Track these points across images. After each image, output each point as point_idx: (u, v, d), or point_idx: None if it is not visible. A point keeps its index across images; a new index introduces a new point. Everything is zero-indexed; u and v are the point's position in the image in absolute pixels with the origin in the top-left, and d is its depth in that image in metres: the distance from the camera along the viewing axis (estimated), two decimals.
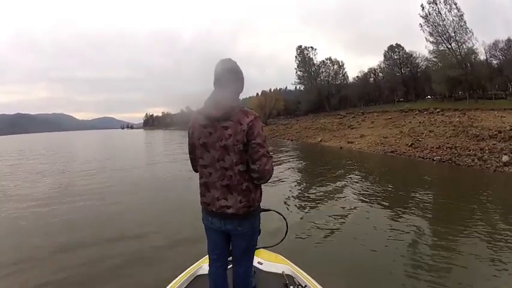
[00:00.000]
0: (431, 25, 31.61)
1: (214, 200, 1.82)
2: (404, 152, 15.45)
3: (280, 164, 12.86)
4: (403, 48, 39.67)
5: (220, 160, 1.76)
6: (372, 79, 43.49)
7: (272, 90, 57.75)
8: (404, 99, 37.91)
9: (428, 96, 36.35)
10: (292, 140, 28.99)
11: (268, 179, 1.77)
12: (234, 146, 1.72)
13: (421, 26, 31.95)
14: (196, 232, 2.44)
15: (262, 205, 2.02)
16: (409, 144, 16.34)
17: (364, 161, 14.39)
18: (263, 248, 2.72)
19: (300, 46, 50.01)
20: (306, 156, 17.91)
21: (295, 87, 56.75)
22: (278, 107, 51.54)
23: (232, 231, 1.87)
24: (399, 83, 38.02)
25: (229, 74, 1.84)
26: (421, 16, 31.95)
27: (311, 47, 49.72)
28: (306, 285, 2.25)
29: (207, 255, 2.40)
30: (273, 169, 1.77)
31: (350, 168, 11.91)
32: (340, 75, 47.92)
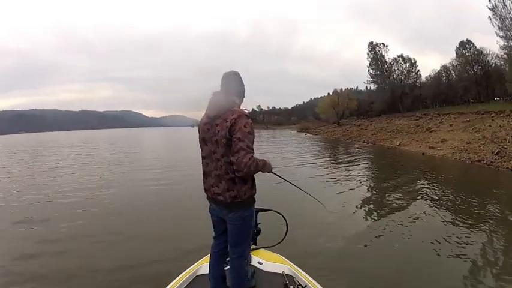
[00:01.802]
0: (499, 18, 30.02)
1: (210, 187, 2.09)
2: (491, 162, 14.45)
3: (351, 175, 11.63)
4: (473, 44, 37.95)
5: (215, 153, 2.02)
6: (444, 78, 41.95)
7: (343, 89, 57.52)
8: (476, 99, 36.07)
9: (496, 98, 34.26)
10: (367, 143, 28.36)
11: (247, 172, 1.89)
12: (221, 140, 1.96)
13: (490, 19, 30.58)
14: None
15: (264, 205, 2.23)
16: (495, 152, 15.37)
17: (452, 172, 12.98)
18: (263, 248, 2.84)
19: (371, 42, 49.12)
20: (386, 164, 16.26)
21: (366, 87, 56.22)
22: (351, 106, 51.15)
23: (225, 218, 2.11)
24: (473, 82, 36.29)
25: (225, 81, 2.13)
26: (488, 8, 30.62)
27: (382, 44, 48.53)
28: (306, 285, 2.31)
29: (207, 255, 2.56)
30: (253, 164, 1.87)
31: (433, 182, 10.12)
32: (413, 74, 46.15)
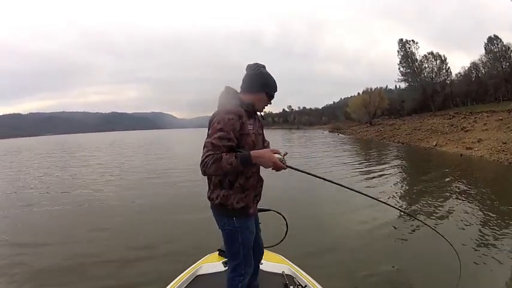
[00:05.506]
0: None
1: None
2: None
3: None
4: (501, 40, 38.05)
5: None
6: (474, 75, 41.71)
7: (373, 89, 56.71)
8: (506, 97, 35.97)
9: None
10: (402, 143, 28.09)
11: (204, 171, 1.68)
12: None
13: None
14: None
15: (262, 205, 2.16)
16: None
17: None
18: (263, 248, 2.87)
19: (402, 39, 49.16)
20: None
21: (396, 85, 56.90)
22: (382, 106, 51.16)
23: None
24: (502, 79, 36.31)
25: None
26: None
27: (412, 40, 48.58)
28: (306, 285, 2.31)
29: (207, 255, 2.76)
30: (207, 162, 1.64)
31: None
32: (443, 71, 45.90)
